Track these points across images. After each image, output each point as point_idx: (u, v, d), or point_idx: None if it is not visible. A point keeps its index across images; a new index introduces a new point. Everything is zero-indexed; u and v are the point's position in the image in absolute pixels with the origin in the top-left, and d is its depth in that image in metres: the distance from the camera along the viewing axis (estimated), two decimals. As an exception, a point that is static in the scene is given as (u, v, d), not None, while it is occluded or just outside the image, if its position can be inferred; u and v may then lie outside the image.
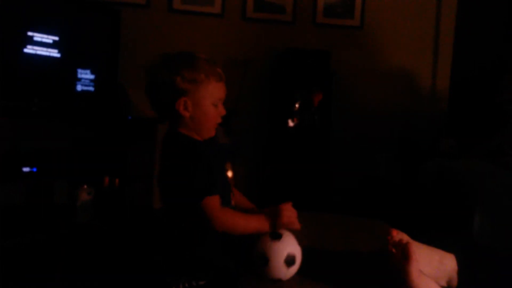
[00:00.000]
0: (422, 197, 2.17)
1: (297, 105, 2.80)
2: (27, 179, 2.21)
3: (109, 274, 1.92)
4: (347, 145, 3.12)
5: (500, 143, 2.00)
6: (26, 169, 2.18)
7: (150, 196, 2.76)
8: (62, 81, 2.42)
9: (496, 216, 1.55)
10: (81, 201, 2.27)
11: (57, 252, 1.97)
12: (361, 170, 3.11)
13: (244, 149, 2.89)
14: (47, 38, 2.27)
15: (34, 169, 2.21)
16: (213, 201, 1.04)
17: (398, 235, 1.08)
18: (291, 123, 2.79)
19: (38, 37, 2.22)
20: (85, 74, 2.48)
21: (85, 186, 2.29)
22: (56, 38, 2.30)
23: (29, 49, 2.19)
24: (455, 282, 1.11)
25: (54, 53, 2.30)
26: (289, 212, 1.09)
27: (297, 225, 1.11)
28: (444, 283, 1.11)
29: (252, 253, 1.04)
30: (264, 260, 1.01)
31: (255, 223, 1.07)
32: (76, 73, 2.44)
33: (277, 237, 1.03)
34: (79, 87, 2.46)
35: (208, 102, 1.10)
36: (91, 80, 2.51)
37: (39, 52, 2.23)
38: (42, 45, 2.24)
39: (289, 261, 1.01)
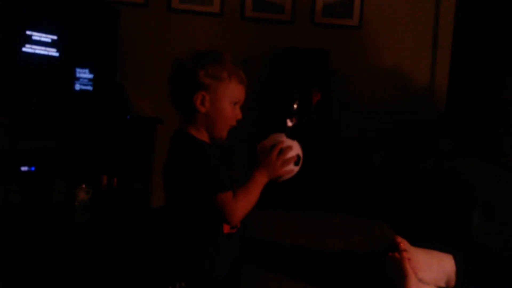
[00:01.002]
0: (420, 197, 2.17)
1: (295, 105, 2.80)
2: (25, 178, 2.21)
3: (107, 274, 1.92)
4: (345, 145, 3.12)
5: (498, 143, 2.00)
6: (24, 169, 2.18)
7: (148, 195, 2.76)
8: (60, 80, 2.41)
9: (494, 216, 1.55)
10: (79, 201, 2.26)
11: (55, 251, 1.97)
12: (359, 170, 3.12)
13: (242, 148, 2.89)
14: (45, 37, 2.26)
15: (32, 169, 2.21)
16: (228, 197, 1.04)
17: (402, 243, 1.08)
18: (289, 123, 2.79)
19: (36, 36, 2.22)
20: (84, 74, 2.47)
21: (83, 186, 2.29)
22: (55, 37, 2.29)
23: (27, 48, 2.18)
24: (453, 282, 1.12)
25: (52, 52, 2.30)
26: (268, 165, 1.12)
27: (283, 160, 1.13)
28: (442, 284, 1.11)
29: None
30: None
31: (258, 189, 1.10)
32: (74, 72, 2.43)
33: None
34: (77, 87, 2.45)
35: (226, 102, 1.11)
36: (89, 80, 2.50)
37: (37, 51, 2.23)
38: (40, 44, 2.24)
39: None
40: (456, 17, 3.15)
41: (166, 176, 1.13)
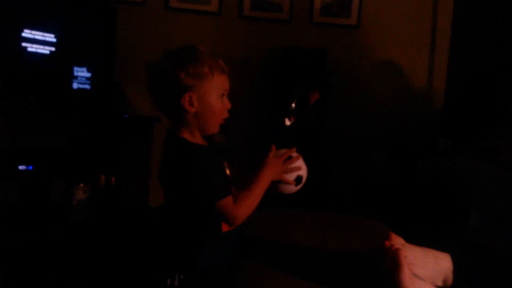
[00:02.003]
0: (418, 196, 2.18)
1: (293, 104, 2.80)
2: (23, 177, 2.20)
3: (105, 273, 1.92)
4: (343, 143, 3.12)
5: (496, 142, 2.01)
6: (22, 167, 2.18)
7: (146, 194, 2.76)
8: (58, 79, 2.41)
9: (492, 215, 1.55)
10: (77, 200, 2.26)
11: (53, 250, 1.97)
12: (357, 169, 3.12)
13: (240, 147, 2.89)
14: (43, 36, 2.26)
15: (30, 167, 2.20)
16: (228, 202, 1.04)
17: (397, 240, 1.08)
18: (288, 122, 2.79)
19: (34, 34, 2.21)
20: (81, 72, 2.47)
21: (81, 185, 2.29)
22: (52, 36, 2.29)
23: (25, 47, 2.18)
24: (450, 280, 1.12)
25: (50, 50, 2.29)
26: (276, 166, 1.16)
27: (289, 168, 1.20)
28: (440, 283, 1.11)
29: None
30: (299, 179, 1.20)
31: (262, 189, 1.12)
32: (72, 71, 2.43)
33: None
34: (75, 85, 2.45)
35: (214, 96, 1.09)
36: (87, 78, 2.50)
37: (35, 50, 2.22)
38: (38, 42, 2.23)
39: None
40: (454, 17, 3.16)
41: (163, 181, 1.13)
